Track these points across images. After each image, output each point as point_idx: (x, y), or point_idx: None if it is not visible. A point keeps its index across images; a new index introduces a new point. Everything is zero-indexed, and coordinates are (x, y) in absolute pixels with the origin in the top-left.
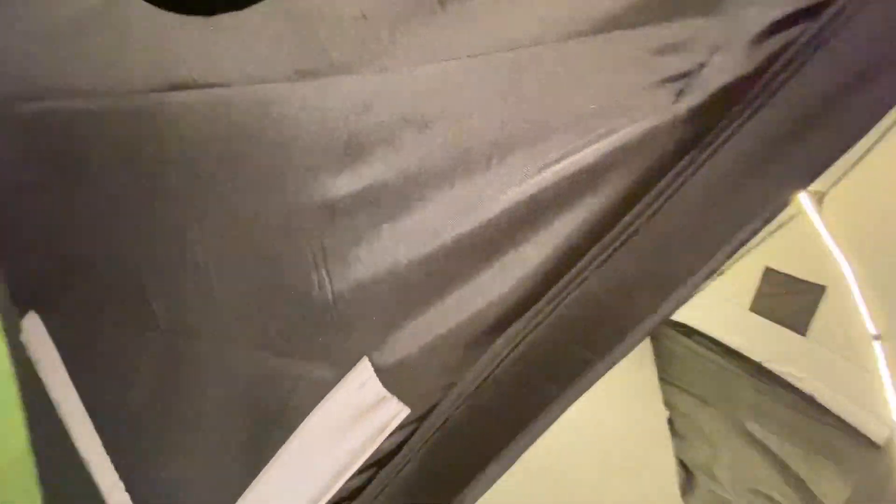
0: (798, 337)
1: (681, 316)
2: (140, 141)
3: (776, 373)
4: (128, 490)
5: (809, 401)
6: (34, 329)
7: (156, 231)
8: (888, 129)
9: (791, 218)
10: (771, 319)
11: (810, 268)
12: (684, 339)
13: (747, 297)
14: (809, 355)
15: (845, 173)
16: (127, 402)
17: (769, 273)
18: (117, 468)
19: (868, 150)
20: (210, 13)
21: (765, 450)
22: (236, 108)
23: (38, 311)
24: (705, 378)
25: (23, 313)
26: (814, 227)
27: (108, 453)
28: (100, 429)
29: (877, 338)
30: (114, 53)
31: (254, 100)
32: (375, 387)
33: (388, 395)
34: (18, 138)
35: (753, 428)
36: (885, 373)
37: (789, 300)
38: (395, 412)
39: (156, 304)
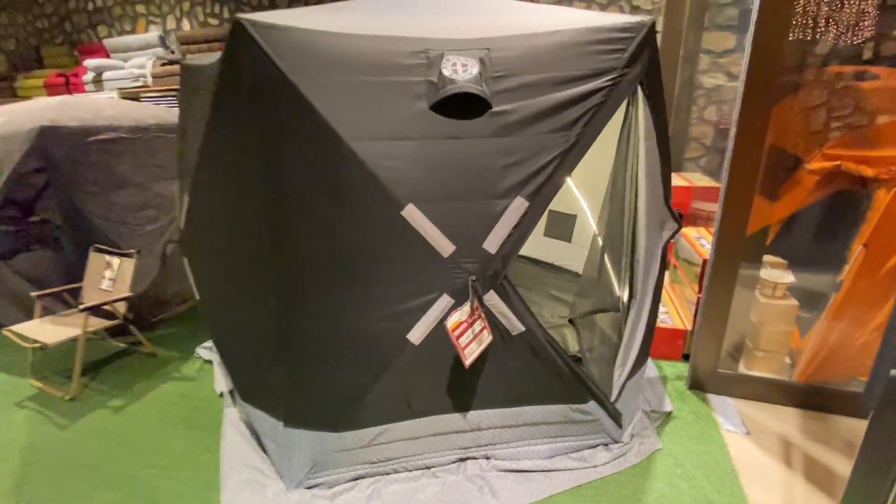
0: (566, 244)
1: None
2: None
3: (558, 265)
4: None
5: (574, 274)
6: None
7: None
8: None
9: None
10: (554, 238)
11: (569, 206)
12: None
13: (541, 229)
14: (573, 252)
15: None
16: None
17: (550, 213)
18: None
19: None
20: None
21: (557, 298)
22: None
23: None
24: (524, 277)
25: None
26: (569, 185)
27: None
28: None
29: (596, 235)
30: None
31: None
32: None
33: None
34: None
35: (554, 293)
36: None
37: (560, 226)
38: None
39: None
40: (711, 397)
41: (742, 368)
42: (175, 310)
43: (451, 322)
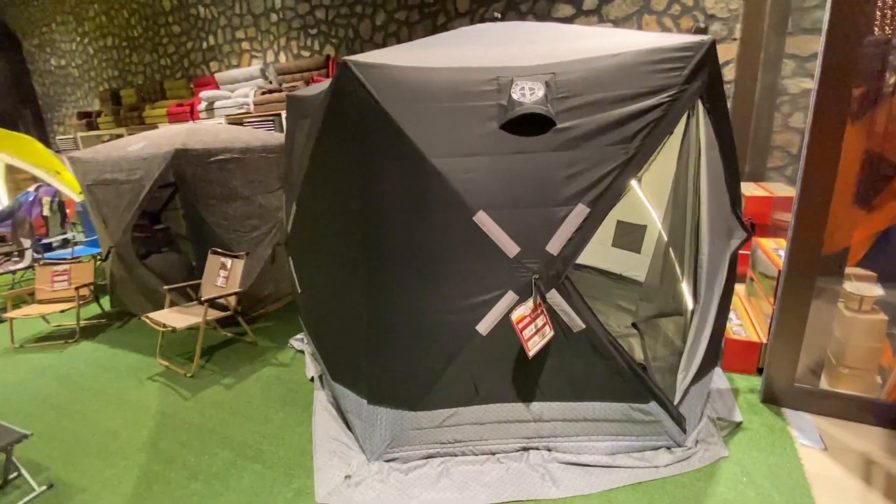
0: (635, 254)
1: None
2: None
3: (626, 276)
4: None
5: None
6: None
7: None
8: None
9: (626, 190)
10: (622, 248)
11: (639, 217)
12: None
13: (610, 239)
14: (641, 263)
15: (648, 167)
16: None
17: (619, 224)
18: None
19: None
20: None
21: (624, 308)
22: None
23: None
24: (592, 287)
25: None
26: (638, 195)
27: None
28: None
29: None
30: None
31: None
32: None
33: None
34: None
35: (621, 303)
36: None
37: (630, 236)
38: None
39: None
40: (787, 412)
41: (824, 384)
42: (270, 308)
43: (515, 315)
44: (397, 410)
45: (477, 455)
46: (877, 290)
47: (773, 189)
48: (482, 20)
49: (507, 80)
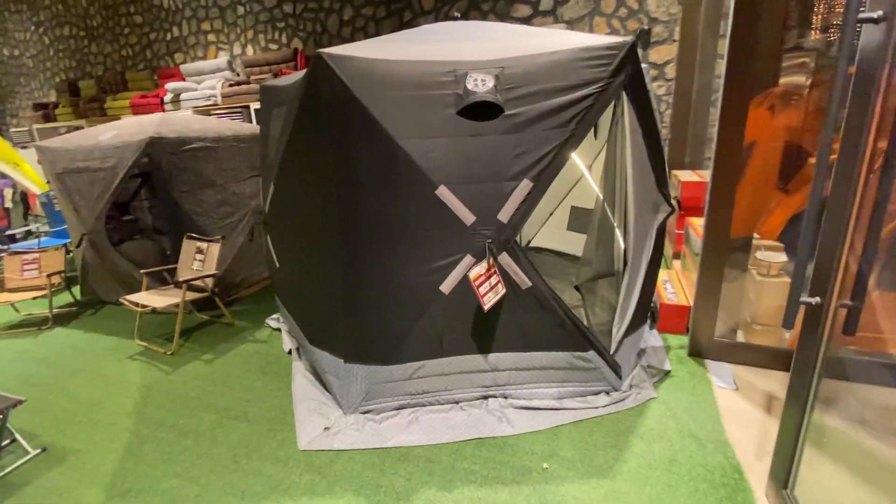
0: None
1: (536, 242)
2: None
3: (580, 256)
4: None
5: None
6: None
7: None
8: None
9: (578, 179)
10: (576, 231)
11: (588, 201)
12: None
13: (565, 223)
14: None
15: (597, 156)
16: None
17: (573, 209)
18: None
19: (603, 146)
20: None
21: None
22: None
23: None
24: (549, 267)
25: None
26: (589, 182)
27: None
28: None
29: (616, 226)
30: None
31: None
32: None
33: None
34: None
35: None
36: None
37: (582, 220)
38: None
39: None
40: (709, 363)
41: (741, 339)
42: (244, 293)
43: (472, 274)
44: (371, 366)
45: (443, 404)
46: (782, 257)
47: (707, 176)
48: (446, 17)
49: (463, 73)
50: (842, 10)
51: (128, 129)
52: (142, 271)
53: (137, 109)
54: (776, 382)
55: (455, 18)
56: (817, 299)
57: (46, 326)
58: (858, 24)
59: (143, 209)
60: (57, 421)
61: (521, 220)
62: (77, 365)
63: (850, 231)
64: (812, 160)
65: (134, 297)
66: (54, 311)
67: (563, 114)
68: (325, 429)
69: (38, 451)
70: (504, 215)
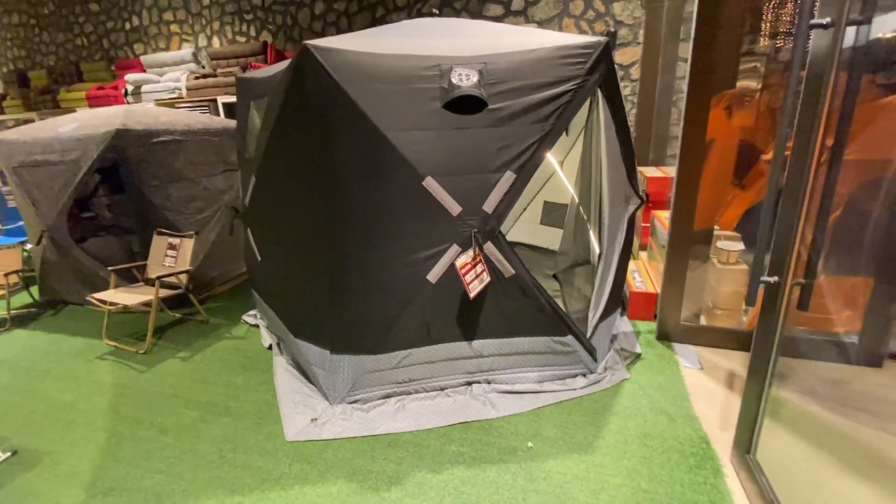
0: (560, 230)
1: (510, 237)
2: None
3: (553, 249)
4: None
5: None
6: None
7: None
8: (580, 131)
9: (551, 175)
10: (549, 226)
11: (561, 197)
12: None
13: (538, 218)
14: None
15: (568, 153)
16: None
17: (546, 204)
18: None
19: (574, 143)
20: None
21: (552, 277)
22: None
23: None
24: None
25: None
26: (560, 178)
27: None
28: None
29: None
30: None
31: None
32: None
33: None
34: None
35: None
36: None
37: (555, 214)
38: None
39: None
40: (676, 345)
41: (704, 322)
42: (217, 290)
43: (458, 262)
44: (358, 356)
45: (429, 392)
46: (740, 246)
47: (670, 171)
48: (419, 14)
49: (448, 67)
50: (789, 18)
51: (90, 120)
52: (109, 268)
53: (94, 102)
54: (736, 361)
55: (434, 14)
56: (776, 278)
57: (4, 328)
58: (810, 29)
59: (101, 206)
60: (26, 423)
61: (504, 211)
62: (42, 366)
63: (802, 216)
64: (764, 157)
65: (102, 295)
66: (12, 312)
67: (544, 109)
68: (313, 420)
69: (9, 454)
70: (489, 206)
